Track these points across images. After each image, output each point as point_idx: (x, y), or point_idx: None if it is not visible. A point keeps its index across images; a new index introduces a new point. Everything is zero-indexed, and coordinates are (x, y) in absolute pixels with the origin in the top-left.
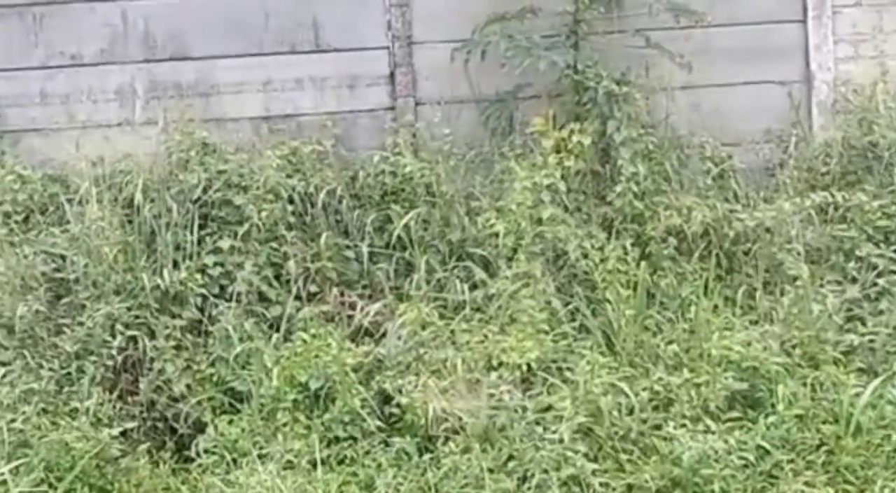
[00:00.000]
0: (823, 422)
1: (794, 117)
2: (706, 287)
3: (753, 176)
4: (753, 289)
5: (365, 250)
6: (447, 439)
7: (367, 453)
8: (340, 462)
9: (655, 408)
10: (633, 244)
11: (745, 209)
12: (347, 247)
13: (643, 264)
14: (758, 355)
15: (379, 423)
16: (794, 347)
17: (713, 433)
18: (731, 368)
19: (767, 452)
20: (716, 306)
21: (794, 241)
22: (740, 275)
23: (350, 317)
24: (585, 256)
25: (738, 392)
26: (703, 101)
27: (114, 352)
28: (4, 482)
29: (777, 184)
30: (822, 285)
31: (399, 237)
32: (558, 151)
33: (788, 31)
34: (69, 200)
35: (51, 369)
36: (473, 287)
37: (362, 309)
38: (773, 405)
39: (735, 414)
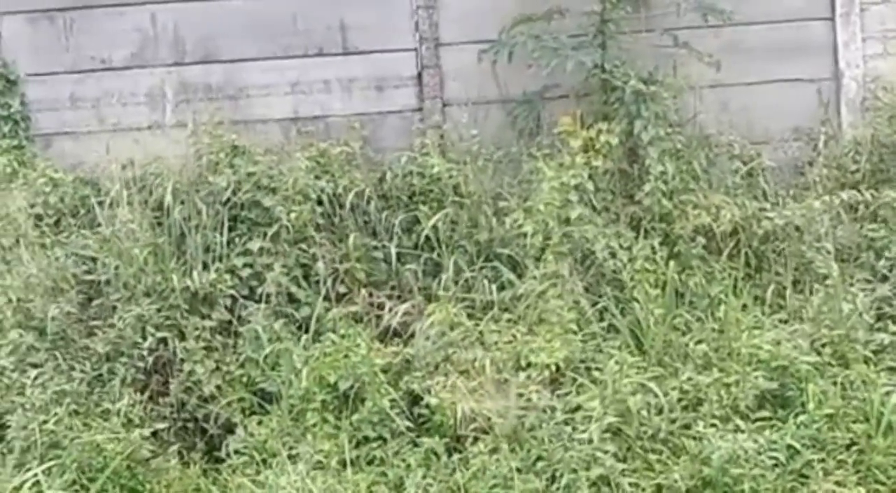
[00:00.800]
0: (854, 421)
1: (823, 115)
2: (735, 286)
3: (782, 174)
4: (783, 288)
5: (393, 250)
6: (476, 439)
7: (397, 453)
8: (370, 463)
9: (685, 408)
10: (661, 243)
11: (774, 208)
12: (376, 248)
13: (671, 263)
14: (788, 354)
15: (408, 423)
16: (823, 346)
17: (743, 432)
18: (761, 367)
19: (798, 451)
20: (745, 305)
21: (823, 239)
22: (769, 274)
23: (378, 317)
24: (613, 255)
25: (768, 391)
26: (731, 99)
27: (144, 353)
28: (38, 482)
29: (806, 182)
30: (851, 284)
31: (427, 238)
32: (586, 151)
33: (817, 29)
34: (100, 203)
35: (82, 371)
36: (501, 287)
37: (391, 310)
38: (803, 405)
39: (765, 413)
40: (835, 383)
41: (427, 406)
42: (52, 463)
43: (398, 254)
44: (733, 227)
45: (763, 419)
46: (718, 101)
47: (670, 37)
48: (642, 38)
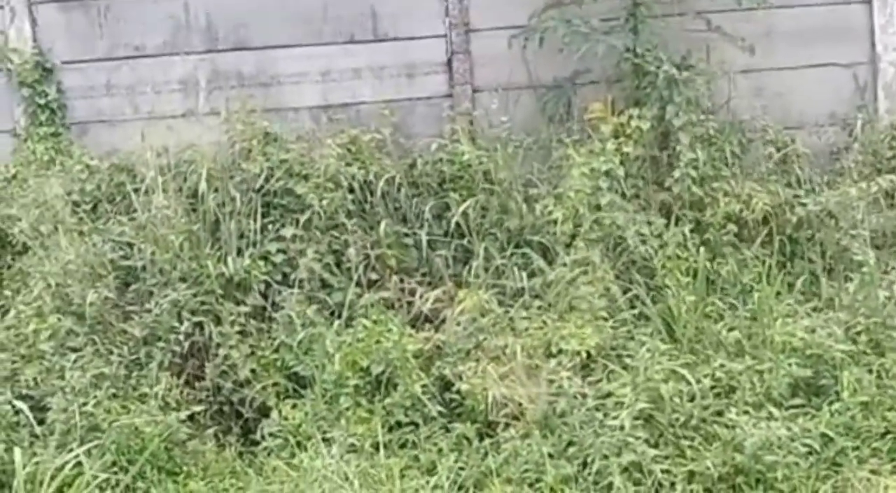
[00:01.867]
0: (889, 409)
1: (860, 100)
2: (768, 274)
3: (817, 160)
4: (816, 276)
5: (424, 237)
6: (507, 424)
7: (429, 438)
8: (402, 447)
9: (717, 395)
10: (692, 231)
11: (808, 194)
12: (406, 234)
13: (703, 250)
14: (822, 341)
15: (440, 408)
16: (858, 334)
17: (776, 420)
18: (795, 355)
19: (831, 439)
20: (778, 293)
21: (859, 226)
22: (803, 261)
23: (409, 304)
24: (644, 242)
25: (802, 379)
26: (765, 84)
27: (181, 338)
28: (79, 463)
29: (842, 168)
30: (886, 272)
31: (457, 225)
32: (617, 137)
33: (853, 12)
34: (136, 190)
35: (120, 355)
36: (531, 275)
37: (421, 296)
38: (837, 393)
39: (798, 401)
40: (870, 372)
41: (458, 392)
42: (91, 445)
43: (428, 241)
44: (766, 214)
45: (796, 406)
46: (752, 86)
47: (703, 20)
48: (675, 21)
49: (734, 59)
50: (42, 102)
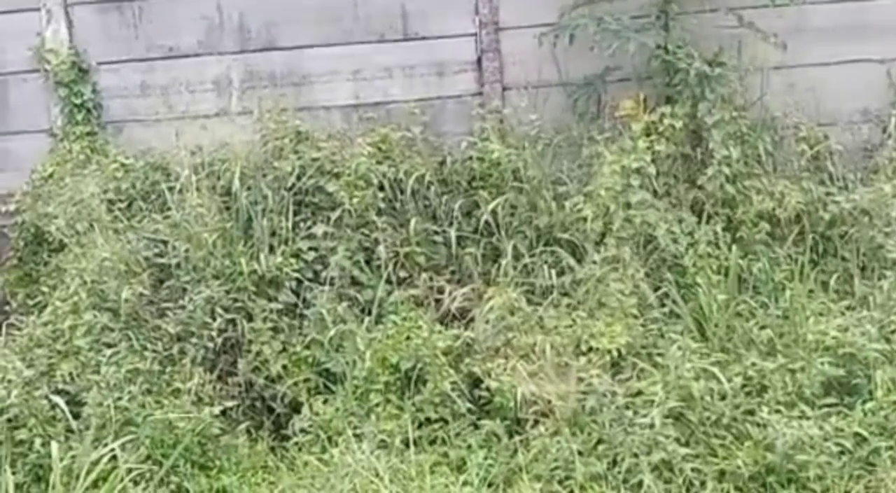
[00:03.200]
0: None
1: (893, 96)
2: (800, 272)
3: (850, 157)
4: (850, 274)
5: (453, 235)
6: (536, 422)
7: (458, 434)
8: (432, 443)
9: (748, 394)
10: (724, 229)
11: (841, 192)
12: (436, 232)
13: (734, 248)
14: (855, 340)
15: (469, 405)
16: (892, 332)
17: (808, 419)
18: (827, 353)
19: (865, 439)
20: (811, 291)
21: (893, 223)
22: (836, 259)
23: (438, 301)
24: (675, 240)
25: (835, 378)
26: (797, 80)
27: (214, 334)
28: (115, 457)
29: (875, 165)
30: None
31: (486, 223)
32: (648, 135)
33: (886, 7)
34: (170, 188)
35: (154, 351)
36: (560, 273)
37: (450, 294)
38: (870, 392)
39: (831, 400)
40: None
41: (487, 389)
42: (126, 439)
43: (458, 238)
44: (798, 212)
45: (829, 405)
46: (785, 82)
47: (735, 16)
48: (706, 18)
49: (766, 55)
50: (78, 101)
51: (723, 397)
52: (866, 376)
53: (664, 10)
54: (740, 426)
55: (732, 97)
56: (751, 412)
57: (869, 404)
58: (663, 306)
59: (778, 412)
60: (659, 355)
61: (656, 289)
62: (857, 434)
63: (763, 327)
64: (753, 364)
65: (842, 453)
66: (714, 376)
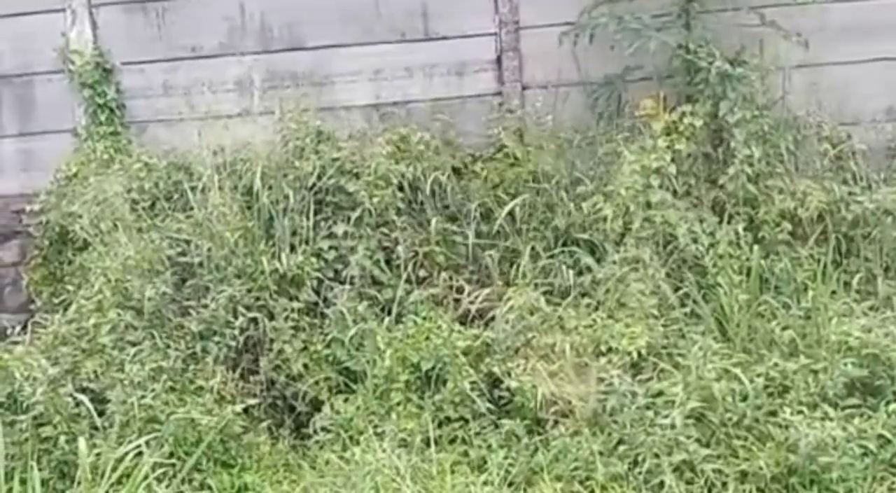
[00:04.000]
0: None
1: None
2: (823, 272)
3: (874, 157)
4: (873, 274)
5: (472, 235)
6: (556, 422)
7: (478, 434)
8: (452, 442)
9: (770, 395)
10: (745, 229)
11: (864, 191)
12: (455, 232)
13: (756, 248)
14: (878, 341)
15: (489, 405)
16: None
17: (831, 420)
18: (850, 354)
19: (888, 441)
20: (833, 291)
21: None
22: (858, 259)
23: (457, 301)
24: (696, 240)
25: (858, 379)
26: (820, 79)
27: (236, 332)
28: (140, 454)
29: None
30: None
31: (505, 222)
32: (668, 134)
33: None
34: (192, 188)
35: (177, 349)
36: (580, 273)
37: (469, 294)
38: (894, 393)
39: (854, 401)
40: None
41: (507, 389)
42: (150, 437)
43: (476, 238)
44: (821, 211)
45: (852, 406)
46: (807, 81)
47: (757, 15)
48: (728, 16)
49: (788, 54)
50: (102, 102)
51: (744, 398)
52: (890, 377)
53: (685, 9)
54: (762, 427)
55: (754, 96)
56: (773, 413)
57: (893, 406)
58: (684, 306)
59: (800, 413)
60: (680, 355)
61: (677, 289)
62: (880, 436)
63: (785, 328)
64: (775, 365)
65: (865, 454)
66: (736, 377)
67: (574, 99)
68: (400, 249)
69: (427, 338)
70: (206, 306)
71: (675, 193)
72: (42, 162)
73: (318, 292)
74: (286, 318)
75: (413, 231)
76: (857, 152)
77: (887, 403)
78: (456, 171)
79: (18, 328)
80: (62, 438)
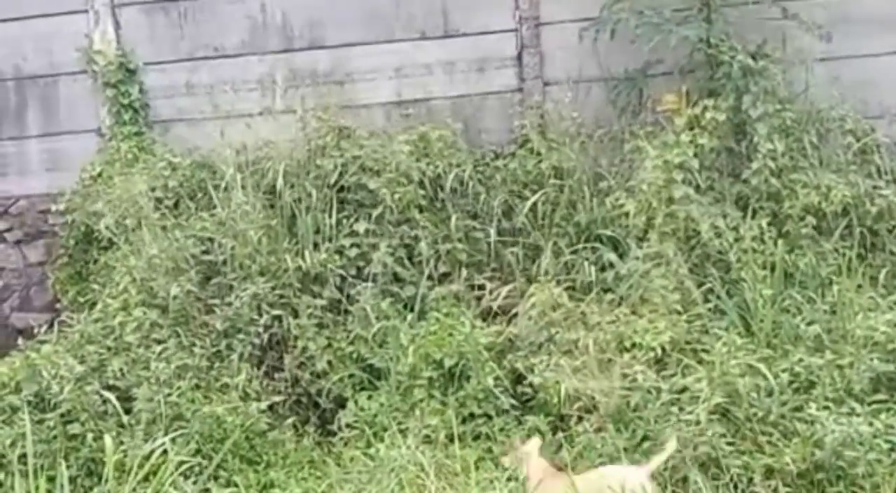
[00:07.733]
0: None
1: None
2: (848, 266)
3: None
4: None
5: (493, 232)
6: (580, 418)
7: (502, 429)
8: (476, 438)
9: (796, 390)
10: (769, 223)
11: (889, 185)
12: (476, 229)
13: (780, 243)
14: None
15: (512, 401)
16: None
17: (858, 415)
18: (877, 349)
19: None
20: (859, 286)
21: None
22: (884, 253)
23: (479, 298)
24: (719, 235)
25: (884, 374)
26: (843, 72)
27: (260, 330)
28: (166, 451)
29: None
30: None
31: (526, 219)
32: (691, 129)
33: None
34: (215, 186)
35: (202, 347)
36: (602, 269)
37: (491, 291)
38: None
39: (881, 397)
40: None
41: (530, 385)
42: (176, 434)
43: (498, 235)
44: (845, 205)
45: (879, 402)
46: (830, 74)
47: (779, 8)
48: (749, 10)
49: (811, 47)
50: (125, 101)
51: (769, 394)
52: None
53: (706, 3)
54: (787, 423)
55: (776, 90)
56: (798, 409)
57: None
58: (707, 301)
59: (826, 408)
60: (704, 351)
61: (700, 285)
62: None
63: (810, 323)
64: (801, 360)
65: (892, 450)
66: (760, 373)
67: (595, 94)
68: (422, 246)
69: (450, 335)
70: (230, 304)
71: (697, 188)
72: (67, 162)
73: (340, 290)
74: (310, 315)
75: (434, 228)
76: (881, 145)
77: None
78: (477, 167)
79: (45, 327)
80: (89, 435)
